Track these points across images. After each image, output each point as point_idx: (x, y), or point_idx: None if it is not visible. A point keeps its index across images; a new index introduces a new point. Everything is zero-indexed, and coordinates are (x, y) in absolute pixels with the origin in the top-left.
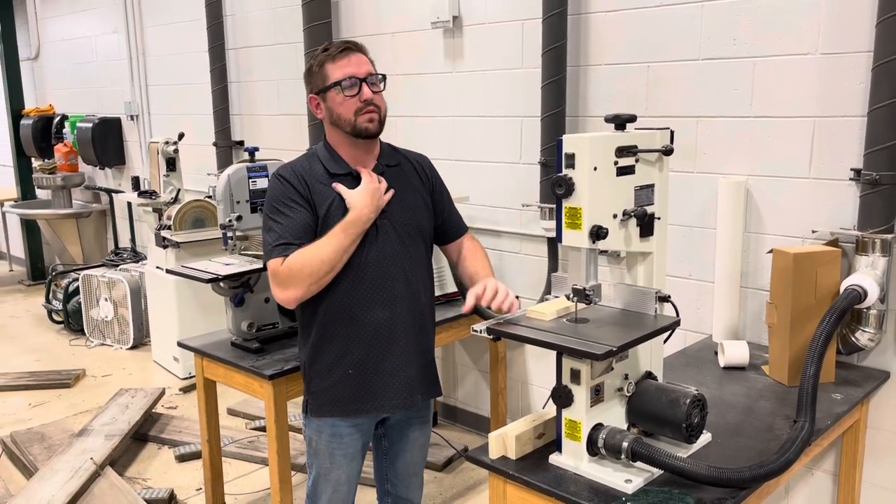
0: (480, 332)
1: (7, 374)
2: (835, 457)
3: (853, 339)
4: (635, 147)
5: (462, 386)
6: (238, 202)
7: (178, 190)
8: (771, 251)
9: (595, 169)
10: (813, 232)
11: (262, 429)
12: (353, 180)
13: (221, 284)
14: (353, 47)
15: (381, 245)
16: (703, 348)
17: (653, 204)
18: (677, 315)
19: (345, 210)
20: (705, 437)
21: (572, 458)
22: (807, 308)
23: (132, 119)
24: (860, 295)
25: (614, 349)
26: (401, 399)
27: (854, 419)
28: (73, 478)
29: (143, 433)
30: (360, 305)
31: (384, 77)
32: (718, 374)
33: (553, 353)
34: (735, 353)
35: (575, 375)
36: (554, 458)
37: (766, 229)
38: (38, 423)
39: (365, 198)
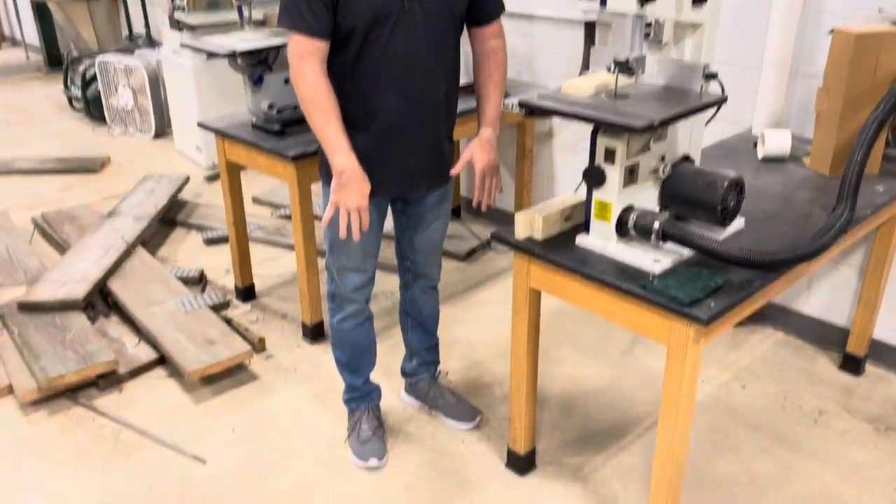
0: (512, 107)
1: (33, 158)
2: (864, 252)
3: None
4: None
5: None
6: None
7: None
8: (832, 31)
9: None
10: (879, 11)
11: (288, 217)
12: None
13: (238, 61)
14: None
15: (408, 34)
16: (742, 141)
17: None
18: (723, 92)
19: None
20: (738, 223)
21: (600, 238)
22: (862, 93)
23: None
24: None
25: (655, 122)
26: (401, 186)
27: (892, 212)
28: (106, 254)
29: (171, 218)
30: (375, 94)
31: None
32: (756, 166)
33: (584, 142)
34: (776, 141)
35: (609, 155)
36: (581, 240)
37: (826, 6)
38: (67, 206)
39: (344, 194)
